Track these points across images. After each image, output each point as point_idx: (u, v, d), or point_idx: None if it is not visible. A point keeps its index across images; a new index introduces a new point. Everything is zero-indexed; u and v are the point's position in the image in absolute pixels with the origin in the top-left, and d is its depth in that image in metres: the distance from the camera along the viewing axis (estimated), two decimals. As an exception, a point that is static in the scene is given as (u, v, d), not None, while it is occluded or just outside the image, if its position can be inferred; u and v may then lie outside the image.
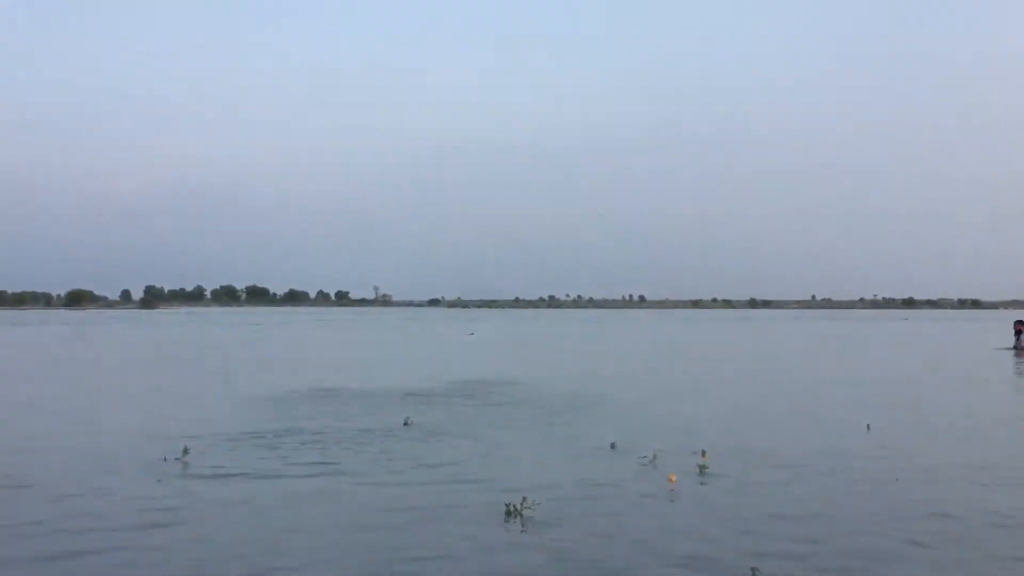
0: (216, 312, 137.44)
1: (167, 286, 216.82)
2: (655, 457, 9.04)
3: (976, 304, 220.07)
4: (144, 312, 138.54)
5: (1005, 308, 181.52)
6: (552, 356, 31.23)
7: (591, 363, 26.92)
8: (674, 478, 8.19)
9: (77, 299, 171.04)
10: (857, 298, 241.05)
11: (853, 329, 62.54)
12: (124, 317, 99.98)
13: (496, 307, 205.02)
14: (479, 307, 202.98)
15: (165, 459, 9.26)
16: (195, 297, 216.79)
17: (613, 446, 10.00)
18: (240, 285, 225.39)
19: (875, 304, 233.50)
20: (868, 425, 11.65)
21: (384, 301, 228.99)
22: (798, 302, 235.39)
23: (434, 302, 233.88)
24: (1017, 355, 27.76)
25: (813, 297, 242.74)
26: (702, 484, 8.21)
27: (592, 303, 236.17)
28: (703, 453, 8.79)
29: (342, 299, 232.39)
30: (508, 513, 6.88)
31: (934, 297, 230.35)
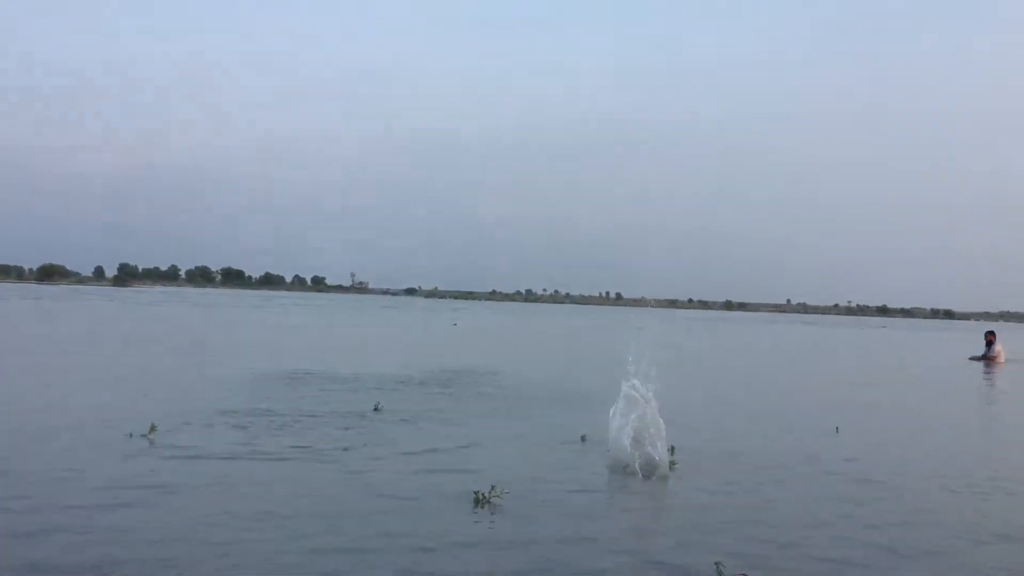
0: (192, 292, 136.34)
1: (141, 265, 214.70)
2: (623, 449, 9.01)
3: (949, 314, 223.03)
4: (118, 290, 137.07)
5: (977, 320, 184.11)
6: (535, 348, 31.28)
7: (573, 357, 27.00)
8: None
9: (49, 274, 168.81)
10: (832, 304, 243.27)
11: (829, 334, 63.08)
12: (98, 293, 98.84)
13: (473, 299, 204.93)
14: (455, 298, 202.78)
15: (131, 435, 9.13)
16: (169, 277, 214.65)
17: (583, 439, 10.00)
18: (215, 267, 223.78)
19: (849, 311, 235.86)
20: (837, 428, 11.72)
21: (360, 288, 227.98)
22: (774, 306, 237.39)
23: (411, 291, 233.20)
24: (987, 365, 28.21)
25: (788, 301, 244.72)
26: (669, 480, 8.21)
27: (569, 298, 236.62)
28: (671, 450, 8.78)
29: (318, 284, 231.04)
30: (476, 501, 6.85)
31: (907, 306, 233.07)
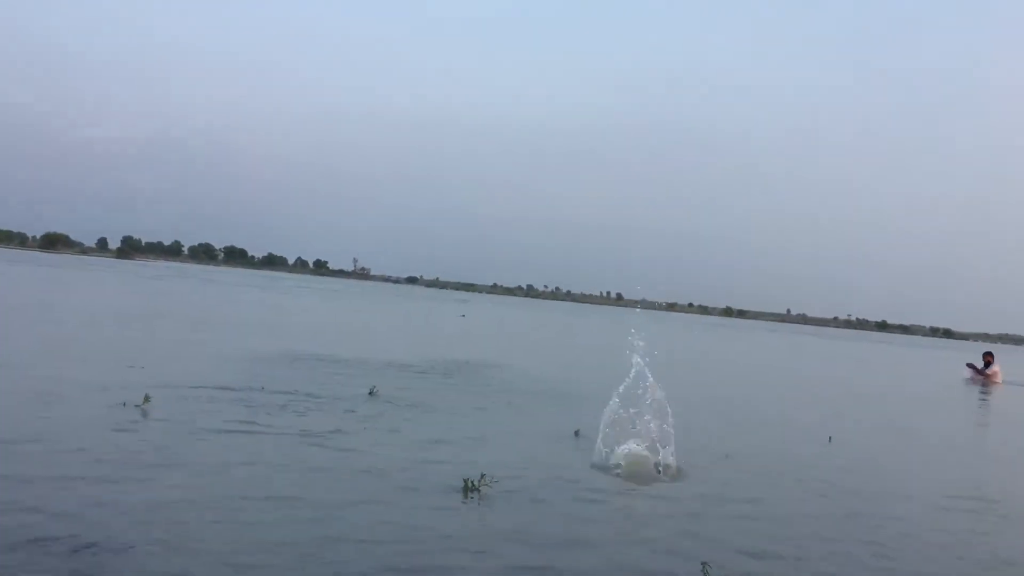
0: (195, 269, 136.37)
1: (144, 238, 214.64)
2: (616, 446, 9.02)
3: (948, 333, 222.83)
4: (121, 262, 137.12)
5: (976, 340, 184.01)
6: (541, 344, 31.28)
7: (577, 354, 27.01)
8: None
9: (53, 242, 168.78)
10: (831, 316, 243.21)
11: (828, 346, 63.08)
12: (102, 265, 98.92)
13: (474, 291, 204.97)
14: (457, 289, 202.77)
15: (124, 404, 9.14)
16: (172, 252, 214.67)
17: (577, 434, 10.00)
18: (218, 244, 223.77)
19: (848, 324, 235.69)
20: (830, 438, 11.71)
21: (362, 274, 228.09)
22: (773, 315, 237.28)
23: (412, 280, 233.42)
24: (983, 385, 28.42)
25: (788, 311, 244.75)
26: (659, 478, 8.20)
27: (570, 296, 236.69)
28: (664, 448, 8.76)
29: (320, 268, 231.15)
30: (466, 488, 6.85)
31: (907, 323, 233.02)
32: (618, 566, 5.48)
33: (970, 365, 30.20)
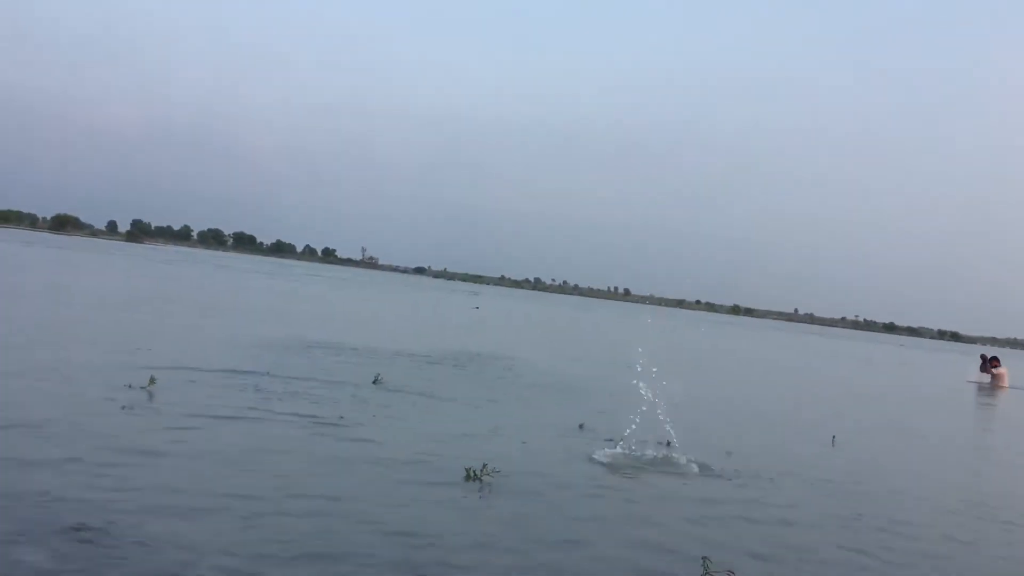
0: (204, 254, 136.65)
1: (154, 222, 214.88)
2: (620, 441, 9.05)
3: (955, 336, 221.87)
4: (131, 245, 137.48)
5: (983, 344, 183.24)
6: (553, 338, 31.31)
7: (586, 349, 27.01)
8: None
9: (63, 224, 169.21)
10: (839, 316, 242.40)
11: (834, 346, 62.93)
12: (113, 248, 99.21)
13: (482, 283, 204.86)
14: (464, 280, 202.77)
15: (129, 386, 9.20)
16: (182, 236, 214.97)
17: (581, 427, 10.03)
18: (227, 230, 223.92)
19: (856, 324, 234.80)
20: (833, 437, 11.70)
21: (370, 263, 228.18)
22: (780, 313, 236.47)
23: (420, 270, 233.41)
24: (991, 382, 29.07)
25: (796, 311, 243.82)
26: (662, 473, 8.22)
27: (577, 290, 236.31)
28: (668, 444, 8.81)
29: (328, 256, 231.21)
30: (468, 476, 6.88)
31: (915, 325, 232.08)
32: (617, 560, 5.51)
33: (983, 356, 30.79)
